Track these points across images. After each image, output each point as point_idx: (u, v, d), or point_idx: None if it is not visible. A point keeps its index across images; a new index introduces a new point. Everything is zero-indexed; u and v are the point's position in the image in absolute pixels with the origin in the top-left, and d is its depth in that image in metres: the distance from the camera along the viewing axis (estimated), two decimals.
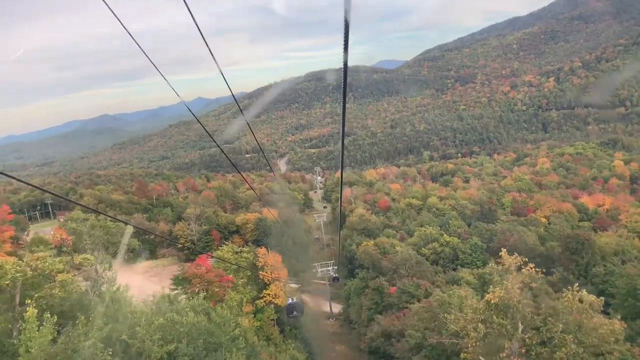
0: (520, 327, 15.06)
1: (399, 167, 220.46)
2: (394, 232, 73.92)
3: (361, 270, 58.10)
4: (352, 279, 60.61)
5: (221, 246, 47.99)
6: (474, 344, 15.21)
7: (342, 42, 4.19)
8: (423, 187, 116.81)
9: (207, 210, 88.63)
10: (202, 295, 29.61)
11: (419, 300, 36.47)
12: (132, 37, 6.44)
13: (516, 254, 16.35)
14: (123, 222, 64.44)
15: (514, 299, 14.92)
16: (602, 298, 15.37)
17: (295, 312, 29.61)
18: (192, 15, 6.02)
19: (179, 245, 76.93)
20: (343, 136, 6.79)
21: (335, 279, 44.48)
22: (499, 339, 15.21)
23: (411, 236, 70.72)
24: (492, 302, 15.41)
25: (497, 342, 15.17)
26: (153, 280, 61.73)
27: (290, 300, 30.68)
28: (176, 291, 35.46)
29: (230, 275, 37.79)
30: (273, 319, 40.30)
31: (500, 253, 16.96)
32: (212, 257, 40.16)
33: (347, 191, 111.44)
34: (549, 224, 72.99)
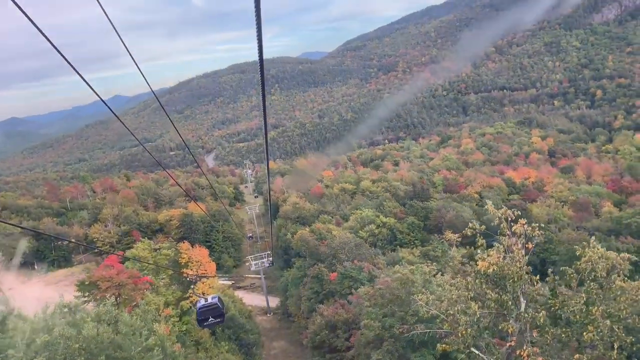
0: (523, 302, 11.75)
1: (329, 156, 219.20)
2: (330, 217, 71.18)
3: (298, 259, 54.52)
4: (288, 269, 56.92)
5: (136, 244, 42.25)
6: (464, 332, 11.61)
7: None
8: (355, 173, 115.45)
9: (126, 209, 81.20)
10: (110, 301, 24.59)
11: (362, 284, 33.51)
12: (42, 32, 5.58)
13: (505, 208, 13.06)
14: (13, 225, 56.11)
15: (516, 265, 11.53)
16: (626, 254, 12.08)
17: (211, 319, 21.45)
18: (103, 9, 6.12)
19: (96, 250, 69.55)
20: (265, 118, 6.62)
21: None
22: (497, 320, 11.83)
23: (347, 221, 68.44)
24: (487, 271, 11.84)
25: (495, 325, 11.78)
26: (68, 290, 55.06)
27: (201, 302, 21.62)
28: (83, 298, 30.07)
29: (149, 276, 32.71)
30: None
31: (486, 206, 13.60)
32: (123, 257, 34.75)
33: (278, 180, 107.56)
34: (481, 198, 73.56)
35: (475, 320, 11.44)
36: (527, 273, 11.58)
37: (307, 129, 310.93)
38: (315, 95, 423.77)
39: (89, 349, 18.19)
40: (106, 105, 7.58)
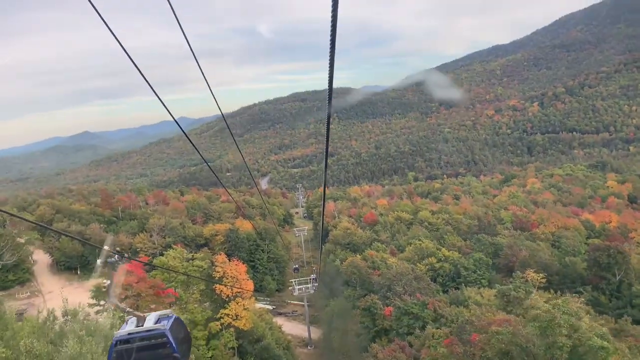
0: None
1: (383, 186, 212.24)
2: (384, 246, 64.96)
3: (347, 288, 48.60)
4: (335, 298, 51.08)
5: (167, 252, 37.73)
6: None
7: (327, 66, 4.21)
8: (412, 203, 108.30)
9: (173, 221, 78.72)
10: (117, 313, 20.06)
11: (426, 324, 27.36)
12: (129, 55, 5.87)
13: None
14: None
15: None
16: None
17: None
18: (186, 38, 6.66)
19: (129, 258, 67.08)
20: (328, 135, 5.85)
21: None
22: None
23: (402, 251, 61.95)
24: None
25: None
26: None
27: (126, 326, 9.69)
28: (97, 307, 25.88)
29: (174, 289, 28.13)
30: (233, 348, 30.61)
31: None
32: (147, 264, 30.49)
33: (330, 205, 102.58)
34: (557, 239, 64.92)
35: None
36: None
37: (362, 159, 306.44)
38: (373, 126, 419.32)
39: None
40: (177, 123, 7.65)
